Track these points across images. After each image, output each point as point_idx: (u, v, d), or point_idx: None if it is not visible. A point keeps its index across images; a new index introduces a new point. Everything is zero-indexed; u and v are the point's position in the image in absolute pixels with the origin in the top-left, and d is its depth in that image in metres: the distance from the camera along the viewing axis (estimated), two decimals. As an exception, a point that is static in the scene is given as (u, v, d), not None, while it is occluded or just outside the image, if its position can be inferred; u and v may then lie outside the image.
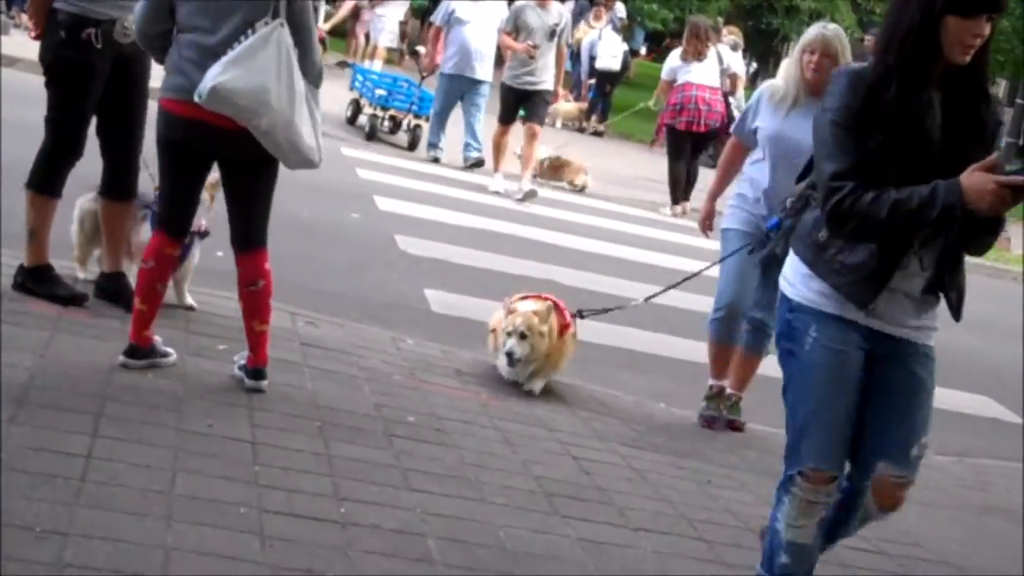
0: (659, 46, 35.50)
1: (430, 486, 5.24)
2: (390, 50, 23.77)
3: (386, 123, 17.09)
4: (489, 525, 5.01)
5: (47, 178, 6.55)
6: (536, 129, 14.86)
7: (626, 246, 12.88)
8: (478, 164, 15.94)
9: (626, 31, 27.17)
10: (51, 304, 6.44)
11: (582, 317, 7.51)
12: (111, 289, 6.72)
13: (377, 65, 22.84)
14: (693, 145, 16.43)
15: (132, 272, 6.56)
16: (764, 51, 39.03)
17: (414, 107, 16.87)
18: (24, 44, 17.48)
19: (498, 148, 15.17)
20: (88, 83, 6.41)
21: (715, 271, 7.44)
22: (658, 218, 15.95)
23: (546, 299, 7.34)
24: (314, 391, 6.13)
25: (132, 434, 5.02)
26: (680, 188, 16.57)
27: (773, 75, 35.41)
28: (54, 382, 5.41)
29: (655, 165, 18.92)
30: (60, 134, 6.51)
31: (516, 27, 14.63)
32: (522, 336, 6.99)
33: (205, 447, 5.08)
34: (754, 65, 37.22)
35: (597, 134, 23.40)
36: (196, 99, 5.40)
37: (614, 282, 11.25)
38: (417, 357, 7.23)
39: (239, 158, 5.65)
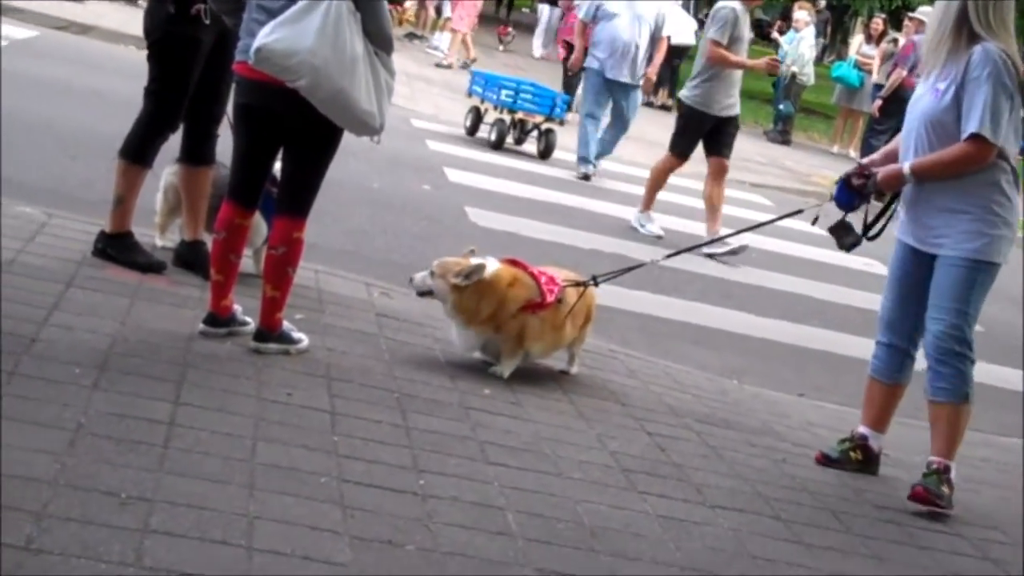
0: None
1: (507, 459, 5.23)
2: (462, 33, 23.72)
3: (514, 130, 15.42)
4: (567, 500, 4.99)
5: (141, 148, 6.59)
6: (726, 165, 11.91)
7: (698, 221, 12.77)
8: (584, 179, 14.32)
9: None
10: (130, 271, 6.49)
11: (596, 284, 6.72)
12: (190, 257, 6.76)
13: (446, 39, 22.87)
14: None
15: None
16: (834, 27, 38.72)
17: (547, 109, 15.19)
18: (98, 13, 17.77)
19: (659, 182, 12.18)
20: (194, 58, 6.46)
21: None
22: (736, 194, 15.73)
23: (517, 265, 6.53)
24: (391, 362, 6.13)
25: (213, 402, 5.04)
26: None
27: (842, 51, 35.18)
28: (135, 349, 5.45)
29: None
30: (160, 106, 6.56)
31: (732, 37, 11.59)
32: (431, 274, 6.33)
33: (285, 416, 5.10)
34: (822, 41, 36.89)
35: (665, 108, 23.21)
36: (248, 61, 5.44)
37: (687, 259, 11.19)
38: (490, 329, 7.21)
39: (302, 122, 5.63)
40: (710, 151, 11.76)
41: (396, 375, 5.97)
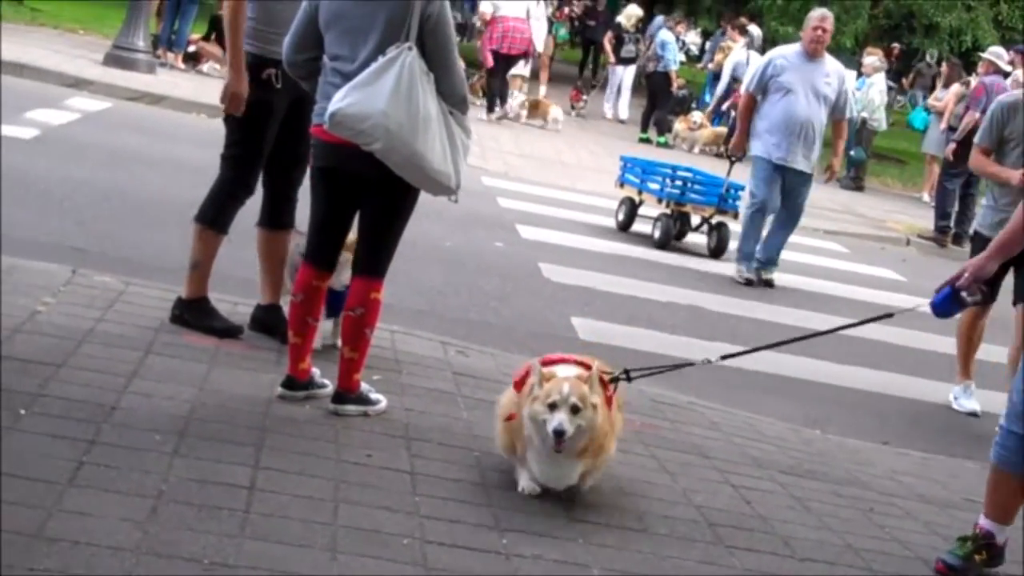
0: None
1: (590, 516, 5.17)
2: (523, 79, 23.76)
3: (678, 224, 13.50)
4: (653, 556, 4.92)
5: (217, 213, 6.63)
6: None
7: (785, 272, 12.63)
8: (748, 284, 12.13)
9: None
10: (207, 336, 6.50)
11: (628, 379, 5.60)
12: (267, 321, 6.77)
13: (517, 97, 22.90)
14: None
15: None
16: (903, 70, 38.54)
17: (717, 199, 13.26)
18: (171, 83, 18.00)
19: (970, 340, 9.11)
20: (266, 122, 6.50)
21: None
22: (810, 242, 15.60)
23: (581, 363, 5.47)
24: (470, 421, 6.10)
25: (293, 465, 5.02)
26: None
27: (911, 94, 34.74)
28: (214, 414, 5.45)
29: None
30: (236, 170, 6.61)
31: (1002, 137, 8.82)
32: (574, 409, 5.10)
33: (365, 478, 5.07)
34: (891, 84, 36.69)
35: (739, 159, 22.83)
36: (324, 125, 5.45)
37: (765, 308, 11.14)
38: (569, 386, 7.15)
39: (378, 183, 5.63)
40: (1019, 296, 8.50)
41: (475, 434, 5.93)
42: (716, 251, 13.26)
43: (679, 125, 23.11)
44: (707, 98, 25.11)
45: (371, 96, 5.35)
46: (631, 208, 13.86)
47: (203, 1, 20.61)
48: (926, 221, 18.63)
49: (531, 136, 20.38)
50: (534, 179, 16.33)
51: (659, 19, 25.44)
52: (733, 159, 12.97)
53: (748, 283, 12.06)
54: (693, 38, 42.82)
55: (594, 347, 8.67)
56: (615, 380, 5.51)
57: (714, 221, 13.30)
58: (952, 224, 17.82)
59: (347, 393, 5.83)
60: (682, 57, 25.16)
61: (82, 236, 8.82)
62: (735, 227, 13.04)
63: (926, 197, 21.74)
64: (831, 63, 12.22)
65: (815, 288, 11.85)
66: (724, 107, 23.30)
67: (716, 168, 16.85)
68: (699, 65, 29.42)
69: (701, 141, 22.79)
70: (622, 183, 14.12)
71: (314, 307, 5.91)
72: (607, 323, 9.46)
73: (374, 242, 5.77)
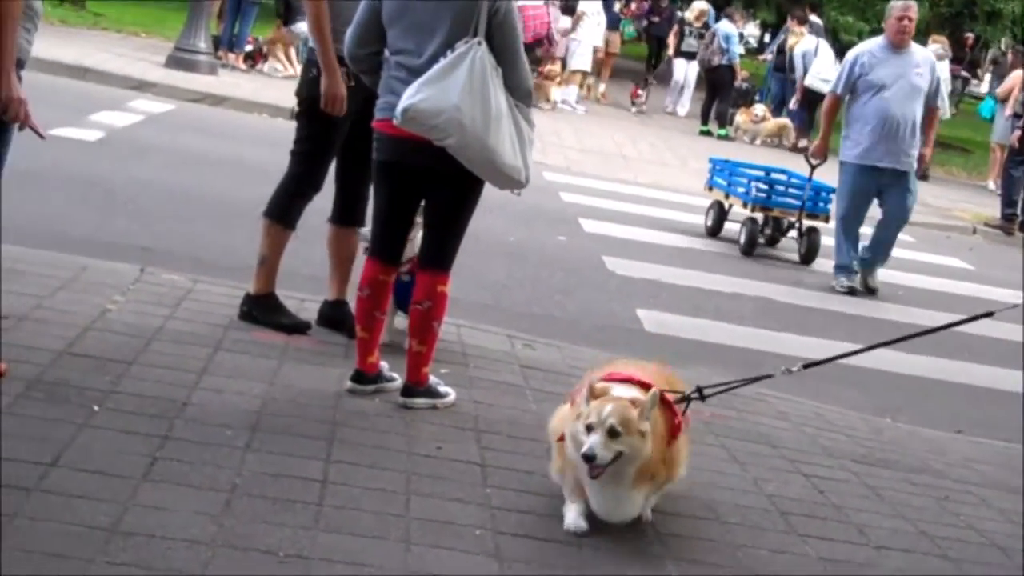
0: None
1: (663, 506, 5.12)
2: (584, 74, 23.72)
3: (767, 229, 12.94)
4: (726, 545, 4.89)
5: (285, 209, 6.66)
6: None
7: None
8: (850, 293, 11.49)
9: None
10: (275, 333, 6.53)
11: (702, 398, 5.17)
12: (333, 317, 6.79)
13: (573, 92, 22.91)
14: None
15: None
16: (976, 60, 38.14)
17: (807, 203, 12.47)
18: (233, 83, 18.11)
19: None
20: (336, 120, 6.49)
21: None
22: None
23: (644, 384, 4.84)
24: (538, 413, 6.07)
25: (364, 458, 5.04)
26: None
27: (971, 83, 34.24)
28: (285, 409, 5.47)
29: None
30: (304, 167, 6.63)
31: None
32: (612, 433, 4.56)
33: (436, 470, 5.08)
34: (964, 74, 36.34)
35: (804, 150, 22.48)
36: (393, 121, 5.44)
37: (833, 298, 11.09)
38: (636, 377, 7.13)
39: (444, 176, 5.63)
40: None
41: (544, 425, 5.88)
42: (806, 257, 12.49)
43: (740, 117, 22.99)
44: (769, 90, 24.94)
45: (444, 91, 5.35)
46: (719, 212, 13.17)
47: (263, 2, 20.71)
48: (992, 209, 18.45)
49: (592, 131, 20.33)
50: (595, 173, 16.30)
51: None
52: (814, 164, 12.13)
53: (850, 292, 11.38)
54: (752, 30, 42.60)
55: (660, 339, 8.67)
56: (685, 399, 5.07)
57: (805, 226, 12.48)
58: (1019, 212, 17.64)
59: (416, 386, 5.83)
60: (741, 50, 24.97)
61: (149, 235, 8.88)
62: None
63: (991, 185, 21.53)
64: (920, 52, 11.59)
65: (883, 277, 11.72)
66: (793, 103, 23.07)
67: (782, 160, 16.78)
68: (760, 57, 29.16)
69: (763, 133, 22.67)
70: (710, 186, 13.48)
71: (381, 301, 5.91)
72: (673, 315, 9.43)
73: (440, 235, 5.77)
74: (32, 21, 4.99)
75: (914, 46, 11.54)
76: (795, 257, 12.55)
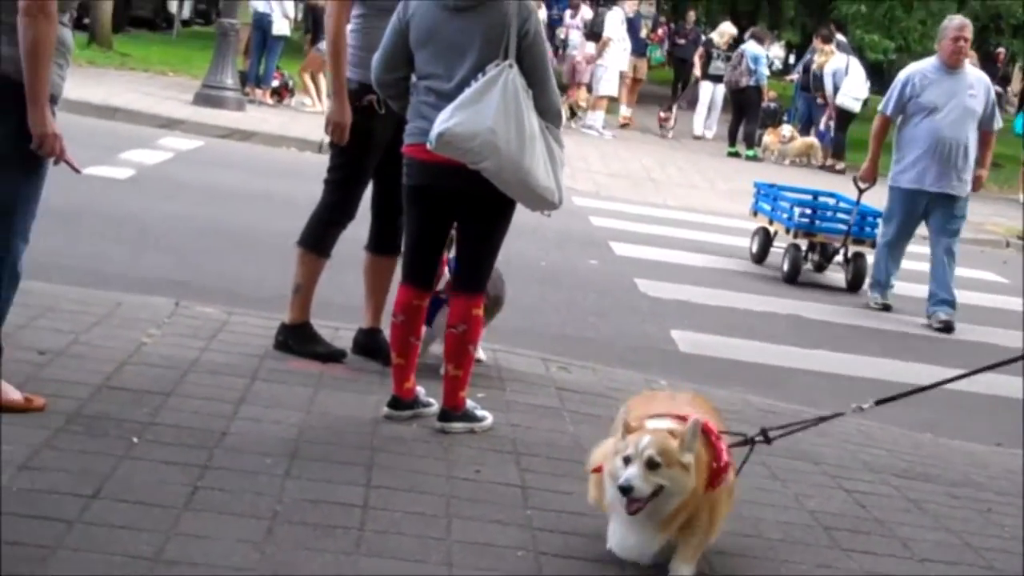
0: (880, 79, 34.63)
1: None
2: (611, 99, 23.73)
3: (812, 255, 12.40)
4: (770, 562, 4.87)
5: (319, 237, 6.66)
6: None
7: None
8: (885, 309, 11.27)
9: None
10: (311, 362, 6.53)
11: (767, 441, 4.88)
12: (368, 344, 6.79)
13: (599, 117, 22.93)
14: None
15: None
16: (998, 73, 37.97)
17: (851, 228, 12.05)
18: (260, 118, 18.20)
19: None
20: (368, 148, 6.49)
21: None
22: (909, 247, 15.35)
23: (681, 418, 4.46)
24: (576, 435, 6.07)
25: (404, 483, 5.03)
26: None
27: (1004, 97, 34.17)
28: (322, 436, 5.48)
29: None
30: (337, 195, 6.63)
31: None
32: (651, 465, 4.26)
33: (476, 493, 5.06)
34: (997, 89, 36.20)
35: (839, 171, 22.27)
36: (427, 146, 5.44)
37: (867, 314, 11.04)
38: (673, 397, 7.11)
39: (476, 199, 5.63)
40: None
41: (583, 447, 5.86)
42: (852, 285, 12.03)
43: (768, 138, 22.98)
44: (796, 110, 24.90)
45: (478, 115, 5.35)
46: (765, 238, 12.75)
47: (288, 37, 20.82)
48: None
49: (619, 155, 20.35)
50: (624, 197, 16.31)
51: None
52: (862, 188, 11.66)
53: (885, 308, 11.17)
54: (776, 51, 42.61)
55: (695, 359, 8.66)
56: (748, 442, 4.76)
57: (851, 251, 12.06)
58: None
59: (453, 411, 5.82)
60: (767, 70, 24.95)
61: (182, 270, 8.92)
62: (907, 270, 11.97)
63: (1022, 198, 21.42)
64: (973, 73, 11.16)
65: (916, 293, 11.65)
66: (822, 123, 23.04)
67: (813, 180, 16.72)
68: (787, 77, 29.13)
69: (792, 153, 22.63)
70: (755, 211, 13.11)
71: (415, 327, 5.91)
72: (707, 335, 9.40)
73: (474, 258, 5.77)
74: (64, 57, 5.02)
75: (968, 67, 11.16)
76: (842, 284, 12.18)
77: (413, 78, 5.76)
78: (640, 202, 16.18)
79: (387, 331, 6.40)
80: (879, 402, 5.17)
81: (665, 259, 12.27)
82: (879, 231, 11.52)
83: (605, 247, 12.48)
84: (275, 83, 20.40)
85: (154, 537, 4.16)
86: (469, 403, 5.92)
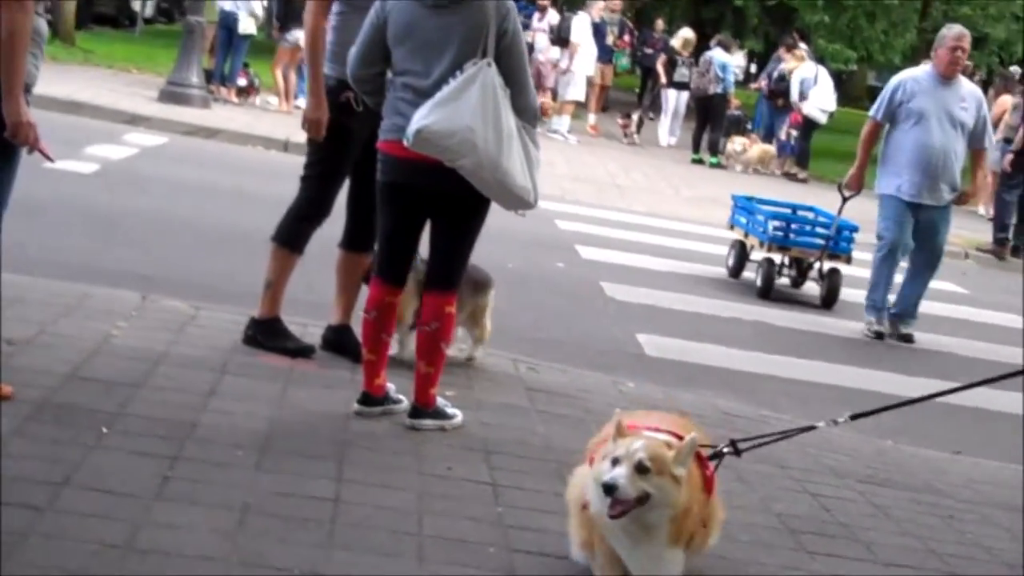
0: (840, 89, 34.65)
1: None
2: (578, 104, 23.75)
3: (785, 269, 12.13)
4: (738, 562, 4.90)
5: (294, 234, 6.66)
6: None
7: (846, 287, 12.39)
8: (878, 337, 10.76)
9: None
10: (281, 357, 6.52)
11: (737, 453, 4.67)
12: (337, 341, 6.78)
13: (565, 121, 22.95)
14: None
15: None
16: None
17: (829, 243, 11.73)
18: (226, 116, 18.15)
19: None
20: (345, 145, 6.49)
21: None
22: (870, 256, 15.42)
23: (674, 434, 4.27)
24: (546, 434, 6.09)
25: (375, 478, 5.03)
26: None
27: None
28: (293, 430, 5.48)
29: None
30: (313, 192, 6.62)
31: None
32: (640, 469, 4.01)
33: (447, 490, 5.07)
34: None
35: (801, 180, 22.38)
36: (404, 142, 5.44)
37: (829, 322, 11.11)
38: (641, 400, 7.13)
39: (451, 197, 5.64)
40: None
41: (552, 445, 5.92)
42: (827, 300, 11.70)
43: (731, 146, 23.06)
44: (760, 118, 25.00)
45: (456, 112, 5.36)
46: (741, 252, 12.40)
47: (254, 36, 20.75)
48: (983, 234, 18.47)
49: (584, 160, 20.39)
50: (590, 201, 16.33)
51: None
52: (847, 196, 11.22)
53: (878, 336, 10.67)
54: (739, 60, 42.76)
55: (662, 362, 8.69)
56: (718, 455, 4.57)
57: (826, 267, 11.76)
58: (1011, 236, 17.68)
59: (424, 408, 5.83)
60: (733, 79, 25.03)
61: (148, 264, 8.89)
62: (855, 272, 12.05)
63: (982, 210, 21.57)
64: (966, 86, 10.81)
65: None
66: (783, 132, 23.12)
67: (777, 190, 16.76)
68: (752, 85, 29.22)
69: (750, 162, 22.68)
70: (732, 224, 12.78)
71: (387, 323, 5.91)
72: (673, 339, 9.43)
73: (447, 256, 5.78)
74: (39, 46, 5.01)
75: (961, 79, 10.81)
76: (815, 300, 11.87)
77: (389, 74, 5.76)
78: (605, 207, 16.21)
79: (357, 328, 6.42)
80: (854, 416, 5.00)
81: (631, 263, 12.30)
82: (875, 246, 10.91)
83: (571, 250, 12.50)
84: (241, 82, 20.32)
85: (125, 526, 4.16)
86: (439, 400, 5.92)
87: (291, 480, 4.85)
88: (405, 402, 5.93)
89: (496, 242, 10.81)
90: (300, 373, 6.36)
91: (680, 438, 4.21)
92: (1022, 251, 17.72)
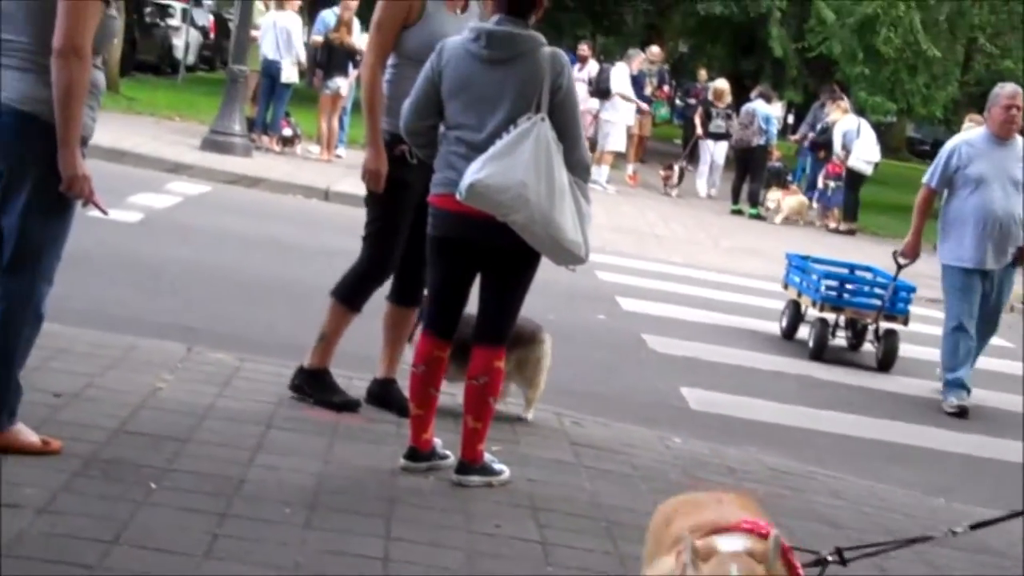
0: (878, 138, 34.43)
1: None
2: (617, 155, 23.74)
3: (841, 331, 11.63)
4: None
5: (354, 292, 6.58)
6: None
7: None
8: (961, 413, 9.99)
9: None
10: (326, 411, 6.49)
11: (843, 562, 3.95)
12: (383, 395, 6.74)
13: (604, 172, 22.93)
14: None
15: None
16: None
17: (885, 304, 11.25)
18: (267, 165, 18.22)
19: None
20: (402, 198, 6.45)
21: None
22: (915, 310, 15.16)
23: (753, 527, 3.47)
24: (593, 491, 6.03)
25: (424, 536, 5.00)
26: None
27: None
28: (341, 486, 5.45)
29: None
30: (375, 250, 6.56)
31: None
32: None
33: (496, 548, 5.03)
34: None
35: (848, 232, 22.28)
36: (457, 196, 5.42)
37: (877, 378, 11.00)
38: (687, 455, 7.08)
39: (503, 250, 5.62)
40: None
41: (601, 503, 5.86)
42: (883, 363, 11.22)
43: (772, 196, 23.00)
44: (802, 170, 24.93)
45: (510, 167, 5.34)
46: (795, 312, 11.96)
47: (296, 85, 20.85)
48: (1029, 287, 18.33)
49: (623, 211, 20.37)
50: (630, 252, 16.27)
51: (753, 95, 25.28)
52: (902, 264, 10.77)
53: (962, 412, 9.95)
54: (777, 111, 42.76)
55: (706, 416, 8.62)
56: (822, 563, 3.88)
57: (883, 328, 11.28)
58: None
59: (471, 464, 5.78)
60: (775, 130, 24.99)
61: (193, 315, 8.89)
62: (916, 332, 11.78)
63: (1025, 266, 21.38)
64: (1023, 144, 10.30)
65: (923, 355, 11.62)
66: (820, 181, 23.07)
67: (824, 243, 16.61)
68: (793, 137, 29.16)
69: (786, 210, 22.60)
70: (786, 284, 12.35)
71: (436, 378, 5.87)
72: (717, 392, 9.36)
73: (497, 310, 5.75)
74: (95, 99, 5.02)
75: (1018, 138, 10.26)
76: (872, 363, 11.35)
77: (442, 128, 5.75)
78: (645, 257, 16.17)
79: (402, 382, 6.40)
80: (974, 527, 4.49)
81: (672, 315, 12.24)
82: (945, 323, 10.36)
83: (612, 302, 12.46)
84: (285, 131, 20.37)
85: (176, 585, 4.13)
86: (486, 456, 5.88)
87: (339, 538, 4.81)
88: (452, 458, 5.89)
89: (537, 294, 10.71)
90: (346, 427, 6.33)
91: (759, 532, 3.51)
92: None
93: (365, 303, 6.65)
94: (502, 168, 5.33)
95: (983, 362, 11.40)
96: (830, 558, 3.89)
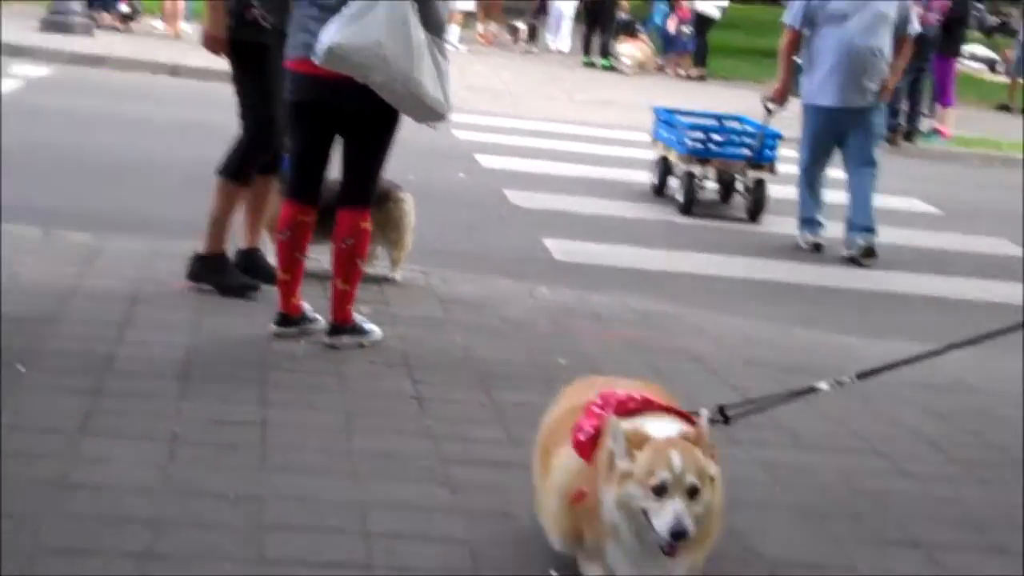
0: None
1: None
2: (467, 14, 23.56)
3: (707, 183, 11.43)
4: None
5: (240, 165, 6.40)
6: None
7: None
8: (816, 248, 10.24)
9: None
10: (190, 284, 6.41)
11: (726, 420, 3.94)
12: (248, 264, 6.68)
13: (455, 32, 22.74)
14: None
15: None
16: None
17: (752, 152, 11.17)
18: (111, 44, 17.81)
19: None
20: (266, 62, 6.24)
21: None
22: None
23: (672, 409, 3.66)
24: (465, 345, 6.09)
25: (300, 399, 5.02)
26: None
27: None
28: (213, 357, 5.44)
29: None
30: (255, 118, 6.35)
31: None
32: (692, 492, 3.30)
33: (373, 406, 5.07)
34: None
35: (699, 78, 22.62)
36: (314, 60, 5.36)
37: (732, 221, 11.17)
38: (555, 304, 7.17)
39: (362, 112, 5.58)
40: None
41: (473, 355, 5.93)
42: (752, 213, 11.18)
43: (621, 47, 23.05)
44: (655, 20, 24.97)
45: (366, 27, 5.26)
46: (665, 168, 11.74)
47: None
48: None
49: (476, 69, 20.30)
50: (486, 110, 16.26)
51: None
52: (771, 110, 10.52)
53: (816, 248, 10.16)
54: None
55: (570, 266, 8.71)
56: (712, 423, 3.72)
57: (751, 179, 11.21)
58: (903, 121, 17.87)
59: (342, 325, 5.80)
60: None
61: (46, 198, 8.71)
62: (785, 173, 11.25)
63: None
64: None
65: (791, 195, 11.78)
66: (671, 27, 23.13)
67: (675, 92, 16.75)
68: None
69: (631, 60, 22.68)
70: (655, 138, 12.08)
71: (301, 243, 5.84)
72: (580, 242, 9.46)
73: (360, 172, 5.73)
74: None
75: None
76: (742, 214, 11.30)
77: None
78: (501, 114, 16.18)
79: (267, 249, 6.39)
80: (860, 376, 4.46)
81: (532, 170, 12.31)
82: (800, 162, 10.41)
83: (471, 160, 12.49)
84: (123, 7, 19.88)
85: (55, 463, 4.11)
86: (357, 317, 5.89)
87: (216, 406, 4.81)
88: (322, 321, 5.89)
89: (395, 155, 10.72)
90: (212, 299, 6.29)
91: (684, 415, 3.60)
92: (914, 136, 17.96)
93: (253, 176, 6.45)
94: (358, 29, 5.26)
95: (836, 196, 11.61)
96: (715, 419, 3.81)
